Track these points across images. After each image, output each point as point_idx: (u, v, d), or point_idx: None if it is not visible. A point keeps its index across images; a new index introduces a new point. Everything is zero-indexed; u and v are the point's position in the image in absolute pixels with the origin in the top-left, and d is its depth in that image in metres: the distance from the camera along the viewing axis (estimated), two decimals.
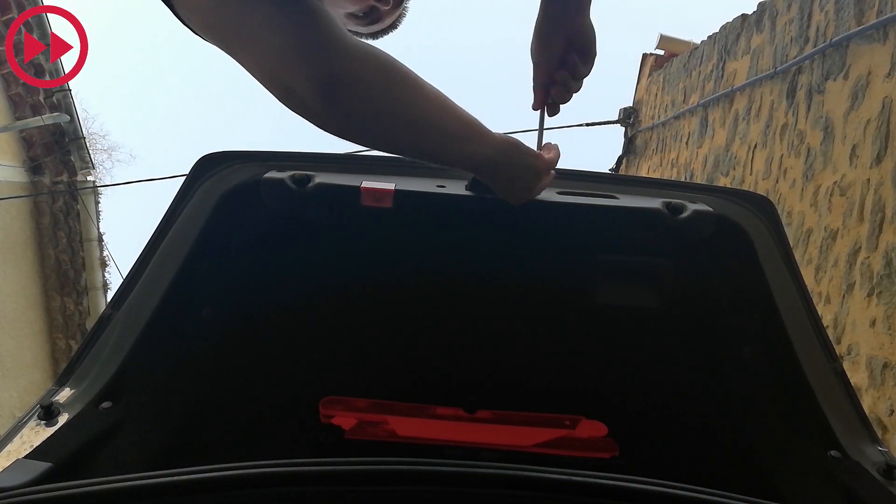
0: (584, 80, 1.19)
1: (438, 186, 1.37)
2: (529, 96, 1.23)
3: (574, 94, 1.21)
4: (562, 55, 1.15)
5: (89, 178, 7.12)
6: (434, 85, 1.02)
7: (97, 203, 7.15)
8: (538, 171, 1.20)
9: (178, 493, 0.89)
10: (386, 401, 1.66)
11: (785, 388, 1.43)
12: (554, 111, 1.23)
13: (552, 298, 1.54)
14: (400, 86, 0.97)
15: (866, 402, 3.00)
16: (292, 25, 0.88)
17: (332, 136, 0.98)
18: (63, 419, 1.27)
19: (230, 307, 1.52)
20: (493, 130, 1.11)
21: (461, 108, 1.06)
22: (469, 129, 1.07)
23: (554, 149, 1.25)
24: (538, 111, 1.23)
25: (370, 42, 1.29)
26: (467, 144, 1.07)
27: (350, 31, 1.32)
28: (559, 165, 1.26)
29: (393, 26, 1.37)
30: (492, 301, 1.55)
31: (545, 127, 1.26)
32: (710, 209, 1.38)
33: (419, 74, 1.00)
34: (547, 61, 1.16)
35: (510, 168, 1.15)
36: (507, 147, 1.12)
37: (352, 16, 1.29)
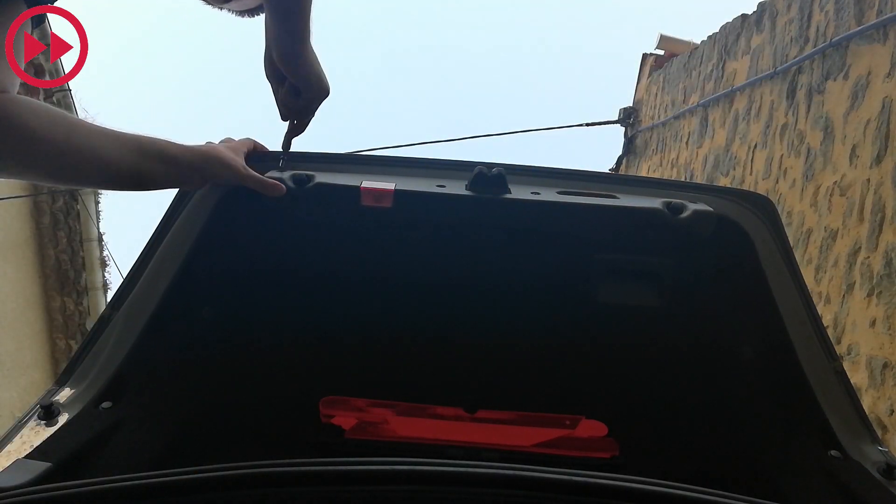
0: (309, 119, 1.32)
1: (438, 186, 1.37)
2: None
3: (306, 127, 1.34)
4: (282, 90, 1.27)
5: None
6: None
7: (97, 203, 7.15)
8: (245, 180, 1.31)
9: (178, 493, 0.89)
10: (386, 400, 1.66)
11: (785, 388, 1.43)
12: (297, 131, 1.36)
13: (552, 298, 1.54)
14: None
15: (866, 402, 3.00)
16: None
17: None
18: (63, 419, 1.27)
19: (230, 307, 1.52)
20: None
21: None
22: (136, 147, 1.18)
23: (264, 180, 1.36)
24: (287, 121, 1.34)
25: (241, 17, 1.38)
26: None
27: (216, 5, 1.39)
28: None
29: (255, 12, 1.40)
30: (492, 300, 1.55)
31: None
32: (711, 209, 1.37)
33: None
34: (274, 84, 1.27)
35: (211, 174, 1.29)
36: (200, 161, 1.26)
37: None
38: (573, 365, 1.62)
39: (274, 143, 1.41)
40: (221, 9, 1.41)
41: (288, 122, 1.36)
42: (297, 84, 1.26)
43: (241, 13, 1.41)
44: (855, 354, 3.20)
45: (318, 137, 1.43)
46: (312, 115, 1.33)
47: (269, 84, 1.29)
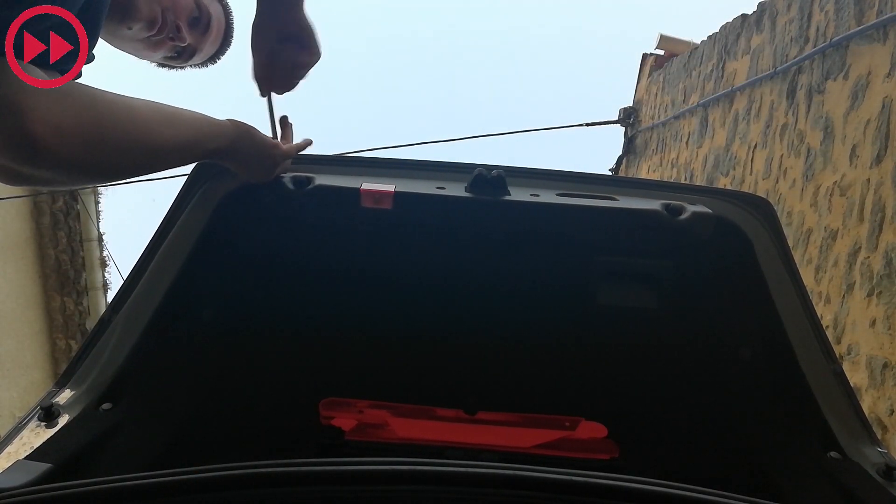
0: (311, 68, 1.29)
1: (438, 188, 1.37)
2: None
3: (300, 82, 1.31)
4: (277, 48, 1.24)
5: None
6: (151, 101, 1.11)
7: (97, 203, 7.14)
8: (273, 158, 1.32)
9: (178, 493, 0.89)
10: (386, 402, 1.66)
11: (784, 390, 1.43)
12: (281, 92, 1.34)
13: (552, 299, 1.54)
14: (111, 124, 1.02)
15: (866, 403, 3.00)
16: None
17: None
18: (63, 420, 1.27)
19: (230, 309, 1.52)
20: (225, 119, 1.23)
21: (186, 113, 1.16)
22: (198, 132, 1.18)
23: (289, 138, 1.39)
24: (265, 98, 1.34)
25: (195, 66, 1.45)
26: (199, 147, 1.19)
27: (174, 67, 1.43)
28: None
29: (224, 46, 1.48)
30: (492, 302, 1.55)
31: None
32: (709, 211, 1.38)
33: (133, 100, 1.07)
34: (264, 54, 1.25)
35: (246, 155, 1.27)
36: (240, 136, 1.24)
37: (168, 59, 1.38)
38: (572, 366, 1.62)
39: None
40: (183, 68, 1.48)
41: (266, 100, 1.36)
42: (300, 33, 1.24)
43: (203, 63, 1.49)
44: (855, 354, 3.20)
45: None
46: (303, 76, 1.31)
47: (253, 58, 1.27)
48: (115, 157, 1.04)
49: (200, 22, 1.38)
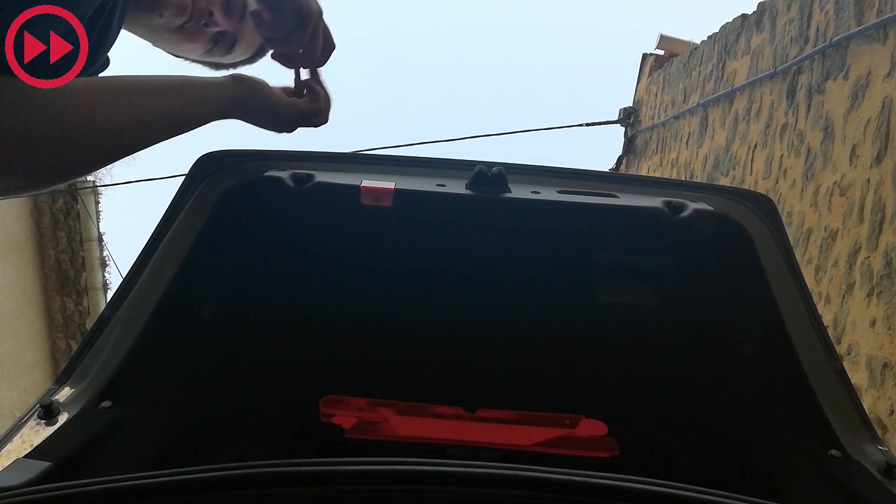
0: (297, 34, 1.20)
1: (438, 185, 1.37)
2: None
3: (296, 49, 1.24)
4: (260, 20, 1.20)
5: (89, 177, 7.11)
6: (128, 76, 1.08)
7: (97, 203, 7.15)
8: (288, 117, 1.25)
9: (178, 493, 0.89)
10: (386, 400, 1.66)
11: (785, 387, 1.43)
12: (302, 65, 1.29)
13: (552, 297, 1.54)
14: (114, 104, 1.02)
15: (866, 402, 3.00)
16: None
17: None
18: (63, 418, 1.27)
19: (230, 306, 1.52)
20: (227, 76, 1.19)
21: (184, 79, 1.14)
22: (198, 94, 1.14)
23: (313, 95, 1.29)
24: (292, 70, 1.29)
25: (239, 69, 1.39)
26: (202, 109, 1.14)
27: (222, 66, 1.40)
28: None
29: (261, 50, 1.41)
30: (492, 300, 1.55)
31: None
32: (711, 208, 1.37)
33: (131, 76, 1.06)
34: (268, 31, 1.20)
35: (256, 111, 1.22)
36: (246, 94, 1.19)
37: (209, 52, 1.35)
38: (573, 364, 1.62)
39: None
40: (234, 66, 1.43)
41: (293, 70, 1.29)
42: None
43: (251, 58, 1.44)
44: (855, 354, 3.20)
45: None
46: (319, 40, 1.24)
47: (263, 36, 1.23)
48: (112, 136, 1.03)
49: (235, 8, 1.32)
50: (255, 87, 1.20)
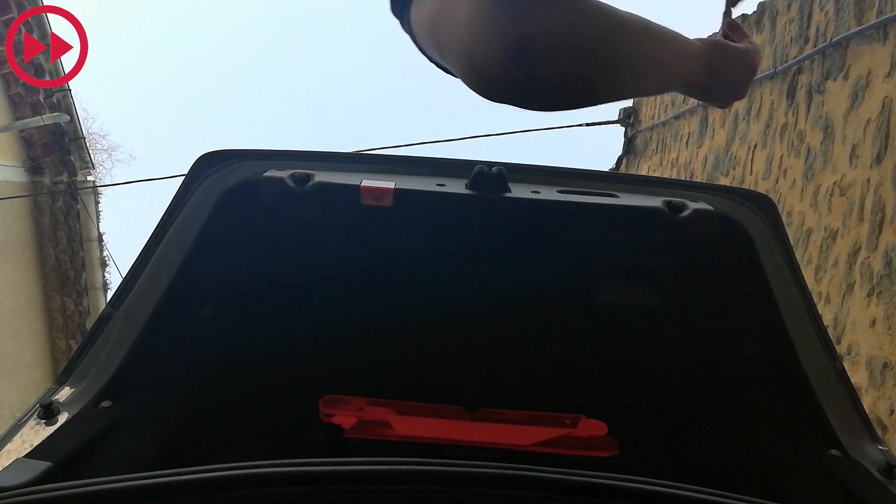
0: None
1: (438, 185, 1.37)
2: None
3: None
4: None
5: (89, 177, 7.12)
6: (631, 12, 0.81)
7: (97, 203, 7.15)
8: (751, 66, 1.00)
9: (178, 493, 0.89)
10: (386, 399, 1.66)
11: (785, 387, 1.43)
12: None
13: (552, 296, 1.54)
14: (602, 34, 0.76)
15: (866, 402, 3.00)
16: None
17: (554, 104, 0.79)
18: (63, 418, 1.27)
19: (230, 306, 1.52)
20: (695, 39, 0.92)
21: (665, 31, 0.86)
22: (678, 48, 0.88)
23: (739, 30, 1.07)
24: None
25: None
26: (672, 75, 0.88)
27: None
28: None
29: None
30: (492, 299, 1.55)
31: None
32: (711, 208, 1.37)
33: (618, 10, 0.78)
34: None
35: (722, 73, 0.96)
36: (714, 51, 0.94)
37: None
38: (573, 364, 1.62)
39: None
40: None
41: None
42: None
43: None
44: (855, 354, 3.20)
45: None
46: None
47: None
48: (602, 72, 0.76)
49: None
50: (722, 52, 0.95)
